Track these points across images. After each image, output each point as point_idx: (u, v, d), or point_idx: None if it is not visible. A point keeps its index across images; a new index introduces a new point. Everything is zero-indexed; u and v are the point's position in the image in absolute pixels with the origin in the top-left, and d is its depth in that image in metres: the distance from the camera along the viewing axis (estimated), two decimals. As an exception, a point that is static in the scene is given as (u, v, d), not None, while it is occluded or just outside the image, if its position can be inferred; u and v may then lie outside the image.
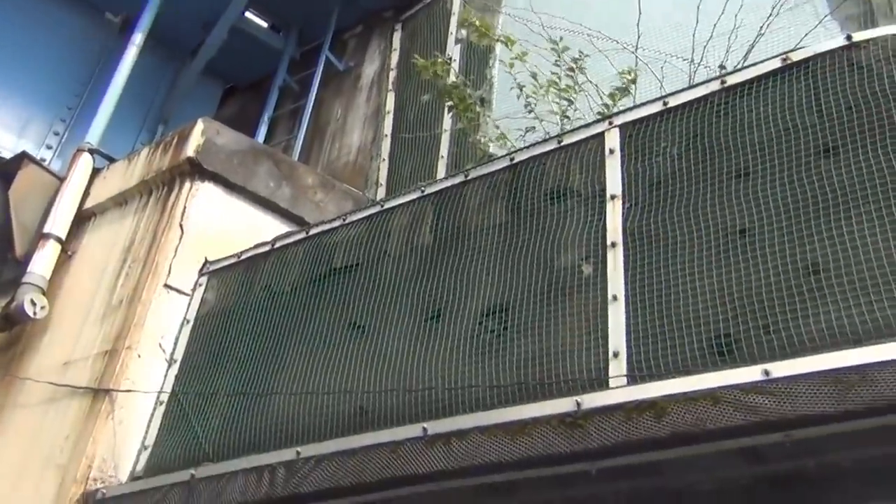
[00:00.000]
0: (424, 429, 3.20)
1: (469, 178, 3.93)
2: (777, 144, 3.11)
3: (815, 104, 3.12)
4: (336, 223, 4.38)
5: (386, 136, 6.27)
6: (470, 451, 3.00)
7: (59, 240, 5.23)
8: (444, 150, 5.58)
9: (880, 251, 2.66)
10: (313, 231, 4.48)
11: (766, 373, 2.52)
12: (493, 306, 3.45)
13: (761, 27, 4.20)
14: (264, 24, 8.01)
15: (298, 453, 3.56)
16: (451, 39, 6.07)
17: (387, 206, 4.19)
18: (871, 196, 2.77)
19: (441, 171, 5.40)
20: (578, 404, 2.79)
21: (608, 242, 3.28)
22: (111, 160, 5.64)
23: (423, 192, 4.07)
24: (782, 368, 2.51)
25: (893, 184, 2.74)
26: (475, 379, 3.29)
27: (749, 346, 2.74)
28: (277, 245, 4.59)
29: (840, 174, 2.90)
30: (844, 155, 2.93)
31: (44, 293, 5.04)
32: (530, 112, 4.43)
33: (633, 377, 2.90)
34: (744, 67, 3.37)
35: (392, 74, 6.61)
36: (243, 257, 4.68)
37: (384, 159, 6.12)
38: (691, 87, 3.50)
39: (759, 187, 3.05)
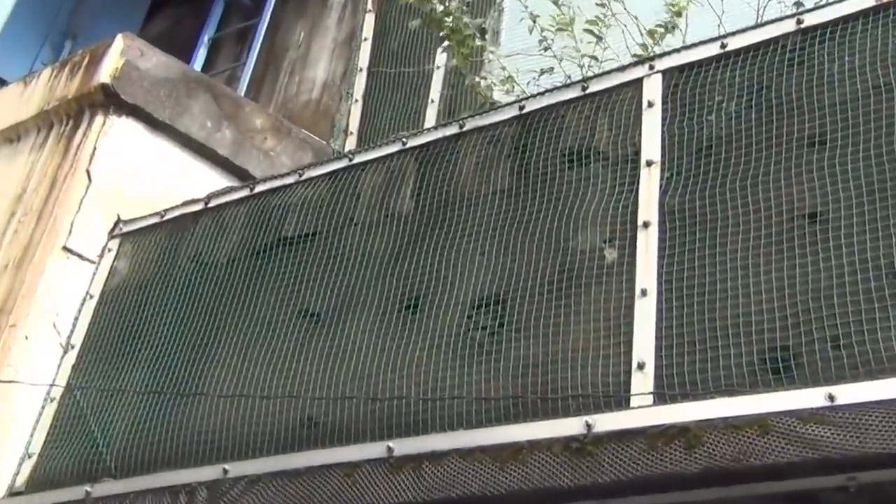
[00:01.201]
0: (390, 448, 3.22)
1: (465, 129, 3.94)
2: (865, 107, 3.13)
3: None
4: (290, 179, 4.38)
5: (360, 70, 6.26)
6: (446, 479, 3.03)
7: (-73, 182, 5.22)
8: (434, 92, 5.58)
9: None
10: (260, 188, 4.48)
11: (831, 397, 2.55)
12: (487, 296, 3.48)
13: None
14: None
15: (226, 471, 3.58)
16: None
17: (357, 160, 4.20)
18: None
19: (430, 120, 5.41)
20: (589, 426, 2.83)
21: (640, 221, 3.31)
22: (1, 83, 5.61)
23: (404, 144, 4.08)
24: (852, 393, 2.54)
25: None
26: (459, 388, 3.32)
27: (812, 364, 2.77)
28: (212, 204, 4.59)
29: (941, 148, 2.93)
30: (948, 125, 2.96)
31: None
32: (546, 49, 4.44)
33: (662, 395, 2.94)
34: (827, 4, 3.39)
35: (372, -10, 6.60)
36: (167, 217, 4.68)
37: (357, 100, 6.12)
38: (758, 25, 3.52)
39: (837, 161, 3.08)
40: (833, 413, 2.53)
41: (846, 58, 3.25)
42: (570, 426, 2.88)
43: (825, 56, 3.29)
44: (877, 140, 3.05)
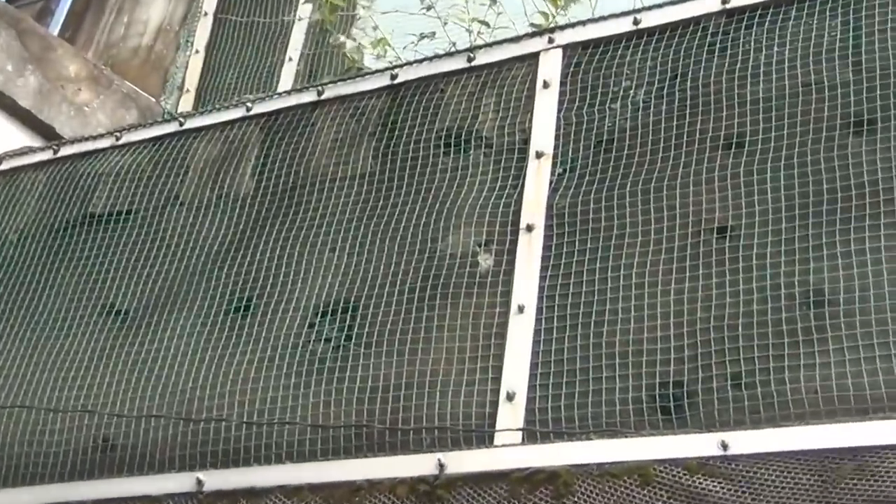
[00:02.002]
0: (200, 480, 3.20)
1: (324, 97, 3.95)
2: (791, 107, 3.24)
3: (853, 54, 3.26)
4: (104, 143, 4.33)
5: (205, 14, 6.20)
6: (266, 522, 3.03)
7: None
8: (293, 49, 5.56)
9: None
10: (66, 151, 4.41)
11: (725, 445, 2.63)
12: (335, 302, 3.48)
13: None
14: None
15: (-6, 501, 3.51)
16: None
17: (189, 125, 4.17)
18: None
19: (286, 82, 5.39)
20: (441, 465, 2.85)
21: (523, 224, 3.36)
22: None
23: (248, 110, 4.07)
24: (747, 442, 2.62)
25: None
26: (291, 412, 3.31)
27: (707, 404, 2.85)
28: (5, 166, 4.50)
29: (873, 161, 3.05)
30: (884, 133, 3.09)
31: None
32: (429, 9, 4.47)
33: (533, 433, 2.98)
34: (757, -18, 3.49)
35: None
36: (-54, 179, 4.57)
37: (198, 51, 6.06)
38: (677, 1, 3.60)
39: (755, 168, 3.17)
40: (725, 464, 2.61)
41: (775, 48, 3.36)
42: (419, 465, 2.90)
43: (751, 44, 3.39)
44: (801, 147, 3.15)
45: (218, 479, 3.18)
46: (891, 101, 3.12)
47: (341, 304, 3.47)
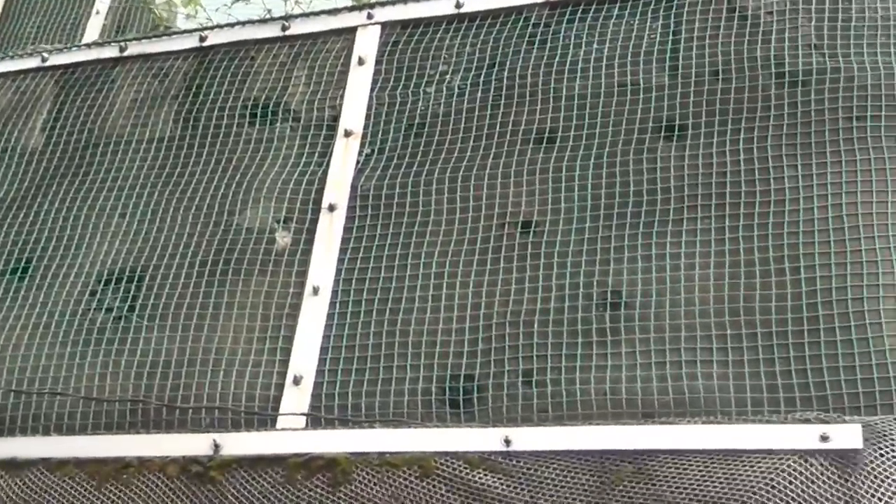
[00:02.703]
0: (-49, 449, 3.12)
1: (126, 54, 3.89)
2: (606, 105, 3.33)
3: (670, 59, 3.37)
4: None
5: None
6: (27, 496, 2.95)
7: None
8: (101, 2, 5.43)
9: (708, 285, 2.93)
10: None
11: (507, 441, 2.68)
12: (120, 270, 3.43)
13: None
14: None
15: None
16: None
17: (-25, 72, 4.05)
18: (710, 200, 3.06)
19: (91, 36, 5.27)
20: (217, 446, 2.83)
21: (325, 203, 3.37)
22: None
23: (44, 60, 3.98)
24: (530, 439, 2.67)
25: (734, 188, 3.05)
26: (65, 383, 3.25)
27: (496, 399, 2.91)
28: None
29: (681, 167, 3.16)
30: (693, 140, 3.20)
31: None
32: (246, -28, 4.44)
33: (318, 419, 2.99)
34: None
35: None
36: None
37: (-3, -4, 5.87)
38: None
39: (565, 164, 3.25)
40: (507, 460, 2.66)
41: (595, 45, 3.44)
42: (193, 444, 2.87)
43: (571, 39, 3.47)
44: (612, 147, 3.24)
45: (-28, 449, 3.09)
46: (703, 109, 3.24)
47: (126, 273, 3.41)
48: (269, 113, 3.61)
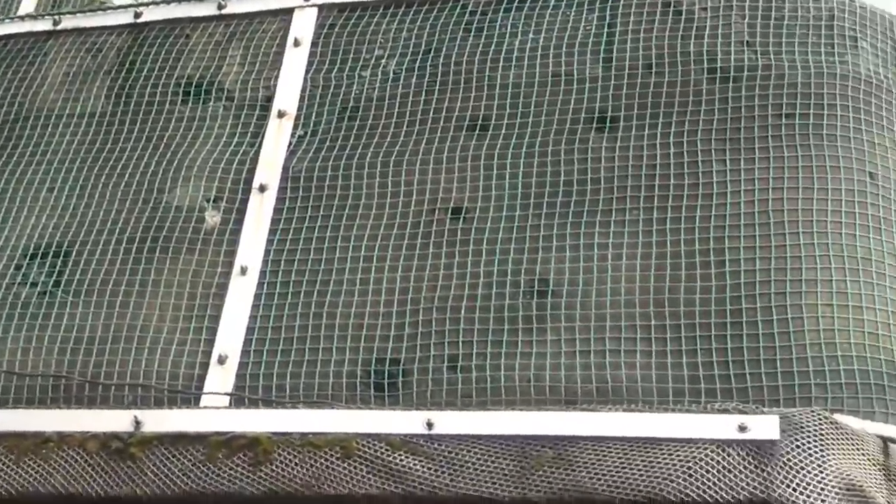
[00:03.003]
0: None
1: (60, 27, 3.86)
2: (539, 95, 3.35)
3: (605, 51, 3.40)
4: None
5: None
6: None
7: None
8: (37, -27, 5.39)
9: (634, 275, 2.97)
10: None
11: (429, 424, 2.69)
12: (46, 244, 3.40)
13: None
14: None
15: None
16: None
17: None
18: (639, 192, 3.09)
19: (27, 7, 5.20)
20: (138, 423, 2.82)
21: (256, 183, 3.36)
22: None
23: (-25, 31, 3.93)
24: (452, 422, 2.68)
25: (663, 180, 3.10)
26: (-12, 356, 3.23)
27: (421, 384, 2.92)
28: None
29: (611, 159, 3.19)
30: (625, 132, 3.23)
31: None
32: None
33: (241, 399, 2.99)
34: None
35: None
36: None
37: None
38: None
39: (497, 151, 3.26)
40: (429, 443, 2.67)
41: (531, 35, 3.46)
42: (113, 420, 2.85)
43: (508, 28, 3.48)
44: (544, 136, 3.27)
45: None
46: (635, 102, 3.27)
47: (53, 248, 3.38)
48: (203, 91, 3.60)
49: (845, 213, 3.01)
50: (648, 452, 2.58)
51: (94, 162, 3.54)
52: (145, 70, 3.69)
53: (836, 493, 2.49)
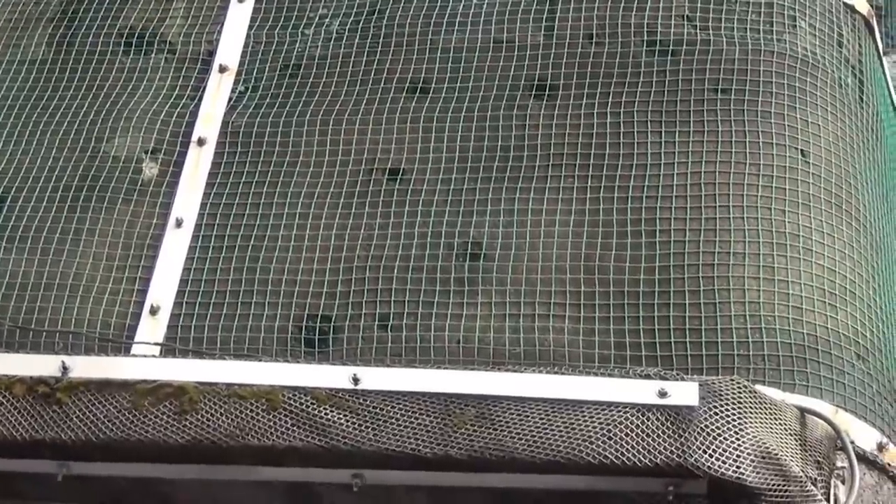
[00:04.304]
0: None
1: (-4, -24, 3.83)
2: (480, 60, 3.38)
3: (547, 19, 3.43)
4: None
5: None
6: None
7: None
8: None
9: (566, 242, 3.02)
10: None
11: (356, 380, 2.71)
12: (-14, 192, 3.39)
13: None
14: None
15: None
16: None
17: None
18: (575, 160, 3.14)
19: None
20: (65, 368, 2.82)
21: (195, 137, 3.36)
22: None
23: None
24: (378, 378, 2.71)
25: (599, 149, 3.15)
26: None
27: (351, 341, 2.95)
28: None
29: (549, 126, 3.22)
30: (563, 101, 3.26)
31: None
32: None
33: (171, 350, 3.00)
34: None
35: None
36: None
37: None
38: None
39: (436, 114, 3.29)
40: (354, 398, 2.69)
41: (475, 0, 3.49)
42: (41, 365, 2.84)
43: (454, -10, 3.51)
44: (483, 101, 3.30)
45: None
46: (574, 71, 3.30)
47: (-7, 195, 3.37)
48: (145, 43, 3.59)
49: (776, 188, 3.06)
50: (569, 414, 2.62)
51: (32, 109, 3.51)
52: (87, 19, 3.67)
53: (752, 461, 2.54)
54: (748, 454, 2.54)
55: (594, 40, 3.34)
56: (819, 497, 2.61)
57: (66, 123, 3.46)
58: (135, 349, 3.00)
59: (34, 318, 3.10)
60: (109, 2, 3.69)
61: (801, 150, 3.13)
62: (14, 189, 3.35)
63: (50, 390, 2.80)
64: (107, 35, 3.63)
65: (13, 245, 3.25)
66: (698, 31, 3.31)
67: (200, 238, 3.19)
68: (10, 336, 3.08)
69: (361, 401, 2.68)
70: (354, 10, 3.54)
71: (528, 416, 2.62)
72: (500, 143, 3.22)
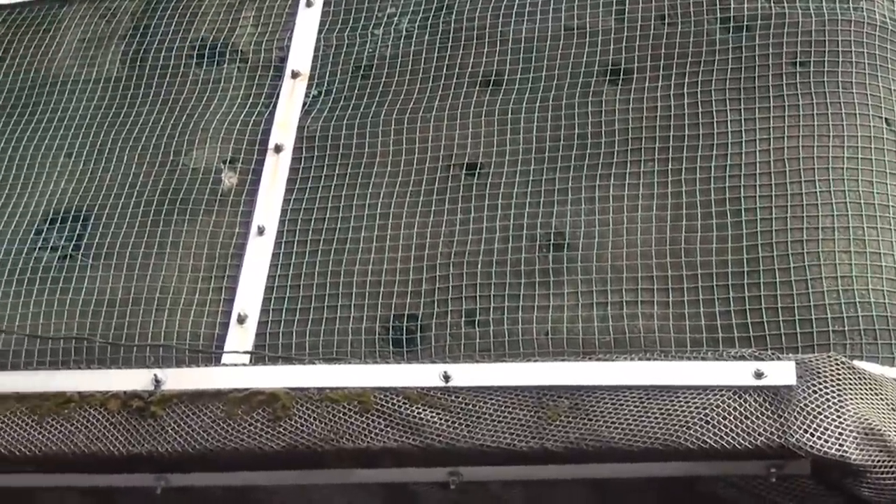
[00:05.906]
0: None
1: (74, -7, 3.87)
2: (552, 49, 3.35)
3: (617, 3, 3.39)
4: None
5: None
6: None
7: None
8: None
9: (650, 227, 2.97)
10: None
11: (447, 377, 2.69)
12: (66, 210, 3.42)
13: None
14: None
15: None
16: None
17: None
18: (654, 143, 3.10)
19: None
20: (158, 382, 2.83)
21: (272, 144, 3.36)
22: None
23: (-9, -1, 3.94)
24: (469, 374, 2.68)
25: (678, 131, 3.10)
26: (10, 320, 3.23)
27: (439, 339, 2.93)
28: None
29: (625, 111, 3.18)
30: (638, 84, 3.22)
31: None
32: None
33: (261, 357, 3.00)
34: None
35: None
36: None
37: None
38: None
39: (510, 107, 3.26)
40: (446, 395, 2.68)
41: (542, -12, 3.47)
42: (134, 379, 2.86)
43: (522, -18, 3.48)
44: (557, 90, 3.26)
45: None
46: (648, 53, 3.25)
47: (73, 213, 3.39)
48: (217, 54, 3.60)
49: (861, 159, 2.99)
50: (665, 400, 2.57)
51: (110, 127, 3.55)
52: (159, 34, 3.69)
53: (854, 438, 2.49)
54: (851, 432, 2.48)
55: (666, 21, 3.29)
56: (926, 470, 2.55)
57: (143, 139, 3.49)
58: (225, 359, 3.01)
59: (124, 334, 3.13)
60: (179, 15, 3.71)
61: (886, 119, 3.06)
62: (97, 207, 3.39)
63: (144, 404, 2.81)
64: (179, 48, 3.65)
65: (100, 262, 3.28)
66: (773, 4, 3.24)
67: (283, 244, 3.19)
68: (101, 353, 3.11)
69: (453, 398, 2.66)
70: (423, 6, 3.53)
71: (622, 405, 2.58)
72: (577, 130, 3.18)
